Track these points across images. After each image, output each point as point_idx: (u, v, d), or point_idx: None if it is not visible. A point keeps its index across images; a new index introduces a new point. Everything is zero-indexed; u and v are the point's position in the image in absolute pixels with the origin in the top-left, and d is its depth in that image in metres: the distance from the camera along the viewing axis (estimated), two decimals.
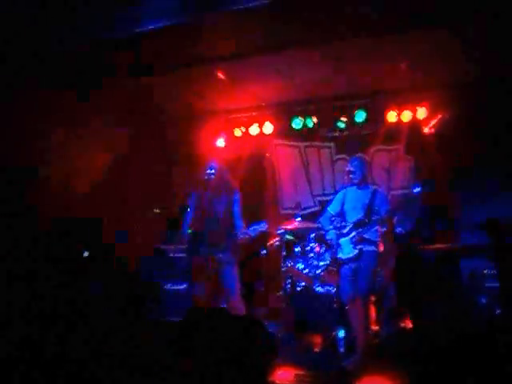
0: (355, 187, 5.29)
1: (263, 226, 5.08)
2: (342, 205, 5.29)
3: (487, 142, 6.38)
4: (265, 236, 6.70)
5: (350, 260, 5.09)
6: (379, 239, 5.16)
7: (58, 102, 5.70)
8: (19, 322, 4.73)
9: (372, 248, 5.09)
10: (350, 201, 5.25)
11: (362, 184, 5.26)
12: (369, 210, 5.11)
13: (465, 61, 5.95)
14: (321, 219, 5.64)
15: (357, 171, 5.24)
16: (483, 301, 5.74)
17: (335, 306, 5.75)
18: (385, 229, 5.34)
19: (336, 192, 6.48)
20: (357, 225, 5.12)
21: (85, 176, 6.36)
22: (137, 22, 4.99)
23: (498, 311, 5.56)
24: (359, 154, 5.61)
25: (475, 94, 6.42)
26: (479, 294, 5.81)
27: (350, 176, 5.25)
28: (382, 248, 5.24)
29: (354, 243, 5.09)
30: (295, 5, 4.57)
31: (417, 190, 5.07)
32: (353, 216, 5.20)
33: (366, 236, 5.07)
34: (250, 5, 4.64)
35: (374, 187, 5.35)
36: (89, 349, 3.91)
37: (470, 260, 6.04)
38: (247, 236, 5.13)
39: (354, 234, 5.11)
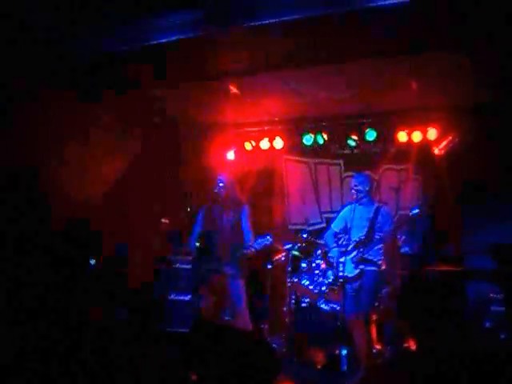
0: (359, 204, 5.30)
1: (268, 240, 5.10)
2: (346, 222, 5.29)
3: (498, 166, 6.35)
4: (271, 250, 6.69)
5: (352, 279, 5.11)
6: (382, 258, 5.15)
7: (71, 104, 5.74)
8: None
9: (373, 268, 5.09)
10: (354, 218, 5.24)
11: (366, 201, 5.27)
12: (371, 226, 5.11)
13: (477, 84, 5.96)
14: (325, 236, 5.65)
15: (361, 188, 5.25)
16: (488, 325, 5.70)
17: (339, 323, 5.73)
18: (388, 247, 5.34)
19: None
20: (358, 244, 5.13)
21: (96, 182, 6.39)
22: (149, 35, 5.06)
23: (502, 336, 5.52)
24: (364, 171, 5.62)
25: (487, 118, 6.38)
26: (484, 318, 5.77)
27: (356, 193, 5.28)
28: (384, 266, 5.23)
29: (355, 263, 5.10)
30: (309, 25, 4.61)
31: (415, 211, 5.08)
32: (356, 234, 5.20)
33: (367, 256, 5.07)
34: (265, 22, 4.69)
35: (379, 204, 5.36)
36: (96, 360, 3.93)
37: (476, 284, 6.00)
38: (252, 250, 5.16)
39: (354, 253, 5.12)
